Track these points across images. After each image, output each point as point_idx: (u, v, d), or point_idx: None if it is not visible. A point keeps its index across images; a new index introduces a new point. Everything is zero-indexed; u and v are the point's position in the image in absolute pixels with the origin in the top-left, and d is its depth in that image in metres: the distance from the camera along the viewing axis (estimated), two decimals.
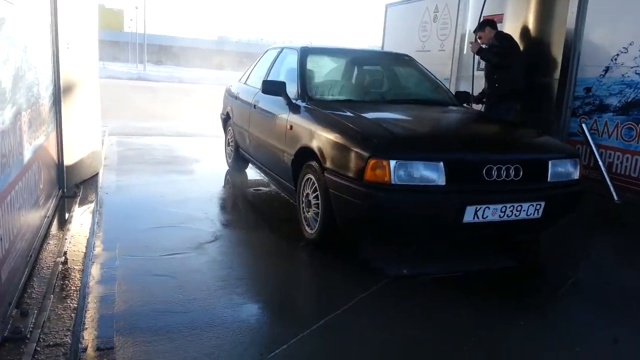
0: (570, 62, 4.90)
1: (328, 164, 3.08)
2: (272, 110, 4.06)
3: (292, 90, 3.85)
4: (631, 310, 2.75)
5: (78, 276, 2.57)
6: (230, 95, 5.62)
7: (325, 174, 3.08)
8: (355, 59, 4.41)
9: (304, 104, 3.66)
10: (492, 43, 5.13)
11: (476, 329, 2.44)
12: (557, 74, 5.08)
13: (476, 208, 2.77)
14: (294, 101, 3.76)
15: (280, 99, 3.86)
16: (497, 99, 5.11)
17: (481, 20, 5.38)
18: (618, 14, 4.47)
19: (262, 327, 2.41)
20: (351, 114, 3.36)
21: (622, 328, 2.53)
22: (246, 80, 5.25)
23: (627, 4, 4.38)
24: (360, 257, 3.27)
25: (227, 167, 5.64)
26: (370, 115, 3.39)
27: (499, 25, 5.57)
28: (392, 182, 2.72)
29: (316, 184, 3.24)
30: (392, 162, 2.72)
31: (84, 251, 2.90)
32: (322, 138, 3.18)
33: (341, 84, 4.19)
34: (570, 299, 2.88)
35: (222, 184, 5.10)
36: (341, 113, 3.38)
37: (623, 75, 4.41)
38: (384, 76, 4.30)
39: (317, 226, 3.28)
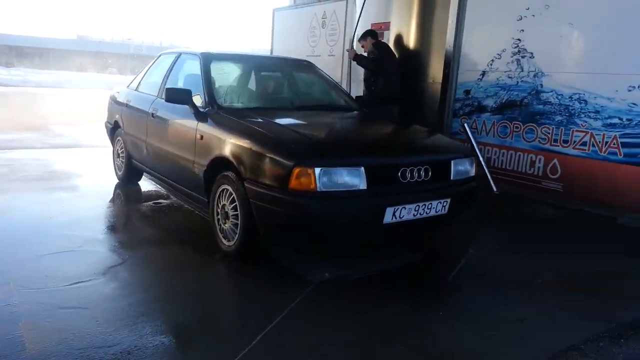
0: (450, 67, 5.33)
1: (248, 174, 3.01)
2: (176, 119, 3.87)
3: (197, 98, 3.70)
4: (525, 290, 3.08)
5: None
6: (117, 103, 5.24)
7: (245, 184, 3.01)
8: (259, 65, 4.36)
9: (213, 113, 3.54)
10: (370, 50, 5.54)
11: (401, 325, 2.56)
12: (439, 78, 5.51)
13: (394, 209, 2.91)
14: (201, 110, 3.62)
15: (185, 107, 3.69)
16: (375, 102, 5.42)
17: (357, 26, 5.91)
18: (492, 23, 4.97)
19: (201, 351, 2.28)
20: (266, 122, 3.32)
21: (524, 308, 2.81)
22: (137, 87, 4.93)
23: (499, 15, 4.88)
24: (282, 265, 3.26)
25: (116, 180, 5.25)
26: (285, 122, 3.39)
27: (385, 33, 5.90)
28: (318, 190, 2.75)
29: (234, 195, 3.16)
30: (317, 170, 2.74)
31: None
32: (239, 148, 3.10)
33: (248, 91, 4.12)
34: (476, 286, 3.15)
35: (115, 199, 4.73)
36: (256, 121, 3.32)
37: (498, 79, 4.92)
38: (289, 82, 4.31)
39: (236, 238, 3.20)
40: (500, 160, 4.94)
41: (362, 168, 2.85)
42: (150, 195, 4.83)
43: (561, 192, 4.40)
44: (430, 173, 3.07)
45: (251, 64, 4.37)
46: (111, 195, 4.79)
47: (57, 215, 3.97)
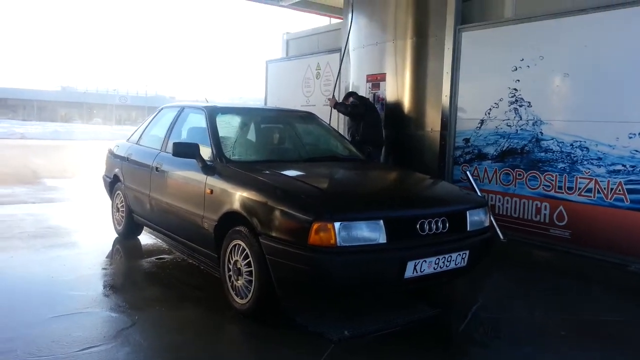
0: (449, 116, 5.43)
1: (262, 229, 2.95)
2: (183, 173, 3.82)
3: (205, 152, 3.68)
4: (548, 343, 3.01)
5: None
6: (116, 157, 5.20)
7: (260, 240, 2.95)
8: (264, 117, 4.39)
9: (222, 166, 3.51)
10: (352, 102, 5.80)
11: None
12: (437, 127, 5.60)
13: (415, 263, 2.86)
14: (210, 163, 3.59)
15: (193, 161, 3.65)
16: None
17: (337, 80, 6.48)
18: (487, 73, 5.10)
19: None
20: (280, 175, 3.30)
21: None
22: (138, 141, 4.90)
23: (494, 66, 5.02)
24: (297, 322, 3.15)
25: (115, 235, 5.13)
26: (298, 175, 3.36)
27: (381, 84, 6.02)
28: (338, 244, 2.69)
29: (247, 251, 3.09)
30: (337, 224, 2.70)
31: None
32: (253, 202, 3.06)
33: (256, 143, 4.12)
34: (500, 340, 3.08)
35: (117, 255, 4.60)
36: (269, 174, 3.30)
37: (497, 127, 5.01)
38: (295, 134, 4.32)
39: (250, 295, 3.10)
40: (505, 208, 4.96)
41: (382, 221, 2.81)
42: (152, 251, 4.71)
43: (569, 239, 4.40)
44: (447, 224, 3.05)
45: (256, 116, 4.39)
46: (112, 251, 4.67)
47: (59, 275, 3.83)
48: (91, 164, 10.67)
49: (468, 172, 5.13)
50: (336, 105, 5.90)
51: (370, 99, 6.03)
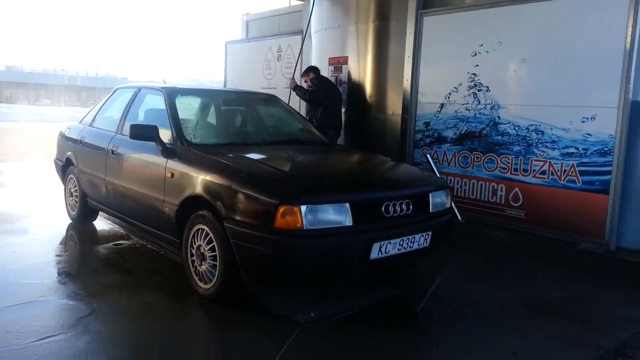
0: (409, 100, 5.48)
1: (227, 213, 2.90)
2: (141, 156, 3.70)
3: (164, 134, 3.57)
4: (509, 320, 3.12)
5: None
6: (68, 139, 4.98)
7: (225, 224, 2.90)
8: (225, 100, 4.28)
9: (184, 149, 3.42)
10: (311, 84, 5.81)
11: None
12: (398, 110, 5.65)
13: (380, 244, 2.89)
14: (169, 146, 3.48)
15: (151, 144, 3.54)
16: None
17: (298, 61, 6.34)
18: (447, 58, 5.17)
19: None
20: (244, 159, 3.24)
21: (514, 339, 2.85)
22: (92, 123, 4.71)
23: (454, 51, 5.09)
24: (263, 305, 3.14)
25: (68, 221, 4.94)
26: (262, 158, 3.32)
27: (344, 67, 6.00)
28: (304, 228, 2.68)
29: (211, 235, 3.03)
30: (303, 207, 2.68)
31: None
32: (216, 186, 2.99)
33: (217, 126, 4.03)
34: (462, 319, 3.17)
35: (72, 241, 4.43)
36: (232, 157, 3.24)
37: (456, 111, 5.10)
38: (258, 116, 4.25)
39: (214, 280, 3.06)
40: (463, 190, 5.08)
41: (347, 204, 2.82)
42: (109, 236, 4.56)
43: (524, 219, 4.56)
44: (411, 207, 3.08)
45: (217, 98, 4.29)
46: (66, 237, 4.49)
47: (11, 263, 3.66)
48: (39, 147, 10.18)
49: (428, 155, 5.21)
50: (295, 88, 5.87)
51: (333, 82, 6.01)
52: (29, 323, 2.72)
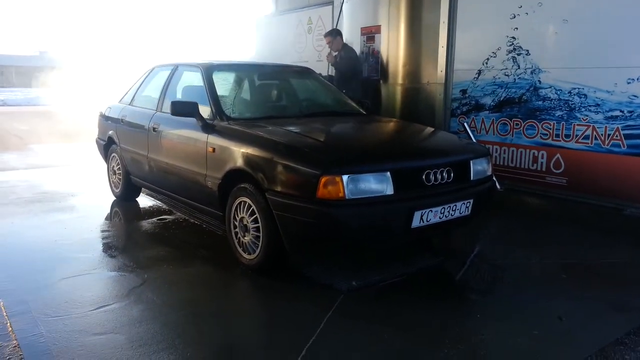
0: (445, 67, 5.37)
1: (268, 185, 2.95)
2: (182, 133, 3.77)
3: (203, 110, 3.62)
4: (553, 285, 3.10)
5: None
6: (109, 119, 5.11)
7: (267, 195, 2.95)
8: (261, 74, 4.30)
9: (223, 124, 3.47)
10: (341, 54, 5.72)
11: (444, 329, 2.54)
12: (434, 79, 5.54)
13: (422, 213, 2.89)
14: (209, 122, 3.54)
15: (192, 120, 3.60)
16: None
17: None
18: (484, 22, 5.02)
19: None
20: (283, 131, 3.27)
21: (558, 304, 2.83)
22: (131, 102, 4.81)
23: (491, 15, 4.94)
24: (305, 275, 3.20)
25: (113, 198, 5.11)
26: (302, 130, 3.33)
27: (376, 36, 5.91)
28: (346, 197, 2.70)
29: (254, 207, 3.09)
30: (345, 177, 2.70)
31: None
32: (258, 158, 3.04)
33: (254, 100, 4.05)
34: (505, 285, 3.16)
35: (117, 217, 4.59)
36: (272, 130, 3.27)
37: (494, 77, 4.97)
38: (294, 89, 4.26)
39: (258, 251, 3.13)
40: (502, 158, 4.99)
41: (388, 173, 2.82)
42: (152, 212, 4.70)
43: (566, 186, 4.46)
44: (452, 174, 3.06)
45: (253, 72, 4.31)
46: (112, 214, 4.65)
47: (62, 238, 3.83)
48: (74, 129, 10.46)
49: (465, 124, 5.11)
50: (335, 63, 5.79)
51: (366, 52, 5.93)
52: (85, 294, 2.86)
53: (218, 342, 2.42)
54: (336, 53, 5.80)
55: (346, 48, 5.87)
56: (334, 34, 5.84)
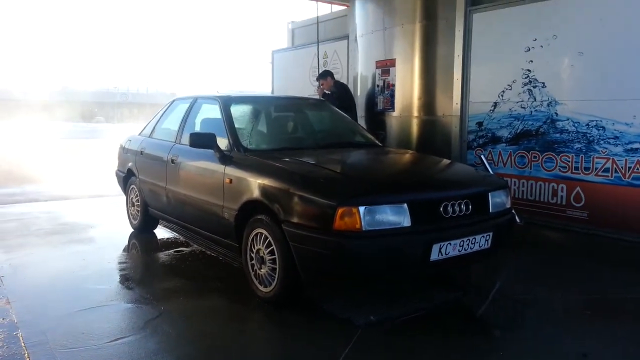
0: (461, 99, 5.40)
1: (285, 216, 2.95)
2: (200, 164, 3.82)
3: (221, 142, 3.66)
4: (577, 322, 3.01)
5: None
6: (128, 152, 5.19)
7: (283, 227, 2.94)
8: (278, 106, 4.37)
9: (240, 155, 3.50)
10: (332, 90, 5.96)
11: None
12: (449, 111, 5.56)
13: (440, 245, 2.85)
14: (227, 153, 3.58)
15: (210, 152, 3.65)
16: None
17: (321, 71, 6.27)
18: (499, 55, 5.06)
19: None
20: (300, 162, 3.29)
21: (583, 342, 2.74)
22: (151, 134, 4.90)
23: (506, 48, 4.98)
24: (322, 308, 3.15)
25: (130, 230, 5.14)
26: (318, 162, 3.35)
27: (391, 70, 5.99)
28: (363, 229, 2.69)
29: (270, 239, 3.08)
30: (362, 208, 2.69)
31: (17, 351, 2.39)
32: (274, 190, 3.05)
33: (271, 132, 4.10)
34: (528, 321, 3.08)
35: (134, 249, 4.61)
36: (288, 161, 3.29)
37: (510, 109, 4.97)
38: (309, 121, 4.31)
39: (274, 283, 3.10)
40: (520, 191, 4.94)
41: (406, 205, 2.80)
42: (169, 244, 4.72)
43: (587, 220, 4.38)
44: (470, 207, 3.03)
45: (270, 105, 4.38)
46: (129, 245, 4.68)
47: (80, 270, 3.85)
48: (97, 162, 10.63)
49: (482, 156, 5.09)
50: (324, 96, 5.94)
51: (381, 85, 6.01)
52: (102, 325, 2.85)
53: None
54: (329, 92, 5.99)
55: (337, 84, 6.08)
56: (324, 75, 6.07)
